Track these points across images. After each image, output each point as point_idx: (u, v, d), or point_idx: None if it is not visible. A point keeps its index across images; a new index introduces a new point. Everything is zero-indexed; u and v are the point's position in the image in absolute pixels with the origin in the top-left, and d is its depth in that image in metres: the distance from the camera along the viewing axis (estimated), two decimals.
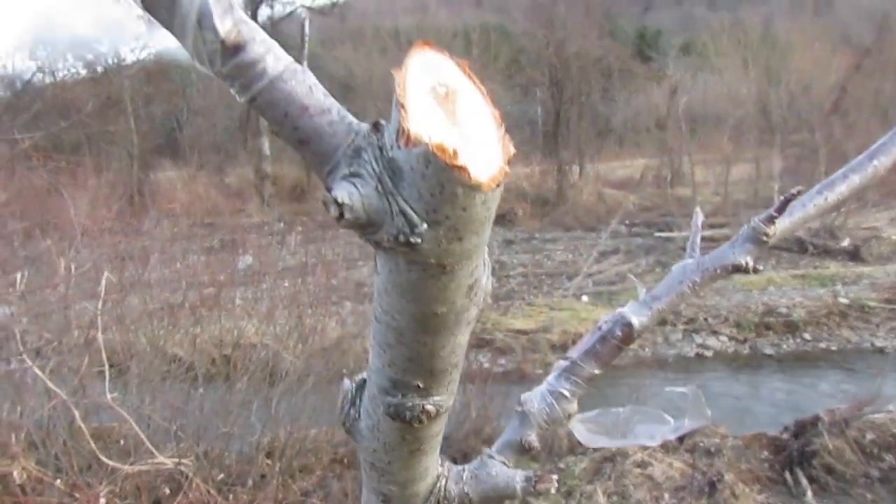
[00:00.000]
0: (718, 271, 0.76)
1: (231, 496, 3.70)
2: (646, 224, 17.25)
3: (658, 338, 9.40)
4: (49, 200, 7.47)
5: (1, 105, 16.45)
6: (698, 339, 9.49)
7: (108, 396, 3.16)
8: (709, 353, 9.18)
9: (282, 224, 16.05)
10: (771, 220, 0.74)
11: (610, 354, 0.73)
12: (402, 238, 0.40)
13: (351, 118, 0.43)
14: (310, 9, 24.16)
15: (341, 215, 0.39)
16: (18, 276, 4.04)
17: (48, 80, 20.67)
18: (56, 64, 21.03)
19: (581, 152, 22.08)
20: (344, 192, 0.38)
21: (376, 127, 0.41)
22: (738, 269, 0.76)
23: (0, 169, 5.36)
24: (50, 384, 3.07)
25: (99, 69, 21.77)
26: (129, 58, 22.20)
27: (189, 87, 26.45)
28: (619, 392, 6.51)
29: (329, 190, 0.38)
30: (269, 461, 4.64)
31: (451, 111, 0.38)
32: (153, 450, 3.15)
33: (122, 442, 3.87)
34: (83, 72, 21.99)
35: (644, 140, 23.01)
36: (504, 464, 0.72)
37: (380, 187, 0.39)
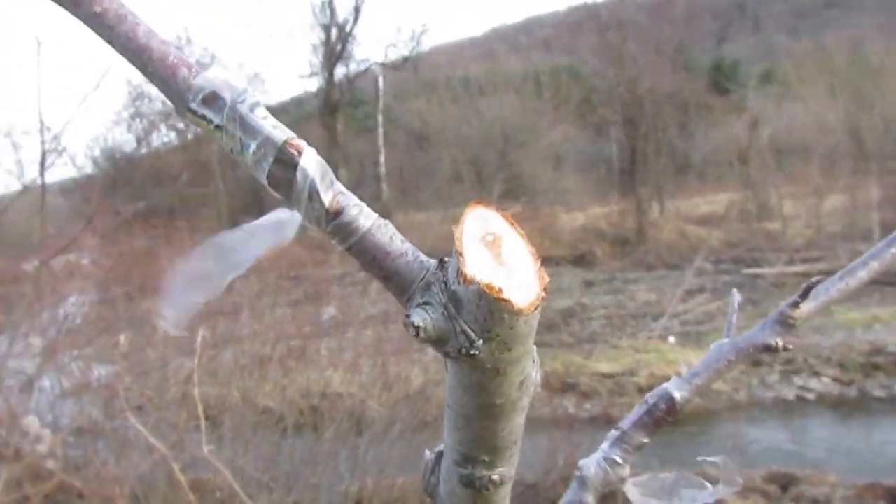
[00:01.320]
0: (751, 350, 0.86)
1: None
2: (733, 261, 16.61)
3: (753, 379, 8.93)
4: (148, 263, 7.94)
5: (106, 178, 17.71)
6: (798, 381, 8.95)
7: (205, 449, 3.28)
8: (811, 396, 8.63)
9: (363, 274, 16.37)
10: (796, 305, 0.84)
11: (656, 425, 0.84)
12: (463, 351, 0.53)
13: (422, 257, 0.56)
14: (383, 64, 25.04)
15: (417, 334, 0.52)
16: (122, 337, 4.29)
17: (143, 150, 22.16)
18: (151, 135, 22.55)
19: (660, 189, 21.64)
20: (419, 317, 0.50)
21: (442, 263, 0.53)
22: (769, 348, 0.86)
23: (104, 238, 5.79)
24: (151, 439, 3.22)
25: (189, 136, 23.19)
26: None
27: None
28: (712, 438, 6.21)
29: (408, 316, 0.51)
30: None
31: (497, 254, 0.50)
32: (247, 501, 3.22)
33: (217, 493, 3.99)
34: (175, 140, 23.48)
35: (726, 174, 22.35)
36: None
37: (445, 313, 0.51)
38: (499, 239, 0.51)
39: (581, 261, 18.08)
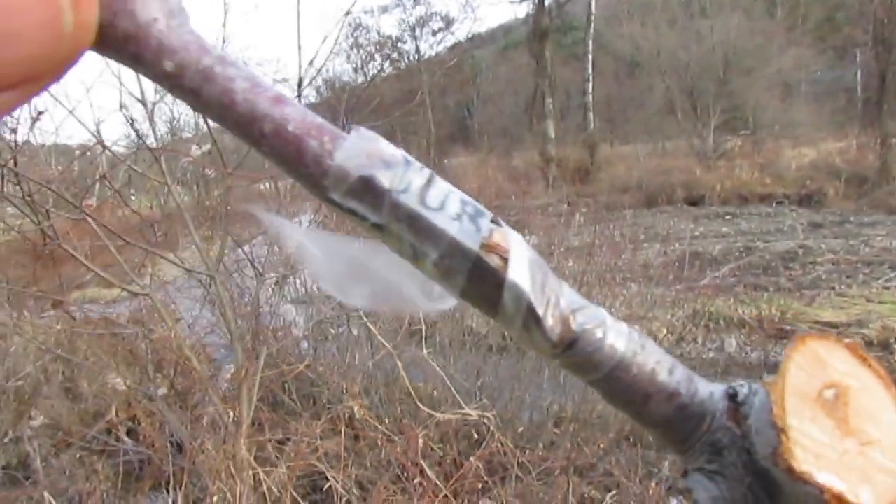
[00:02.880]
0: None
1: (527, 451, 3.95)
2: None
3: None
4: None
5: (327, 105, 19.22)
6: None
7: (424, 352, 3.60)
8: None
9: (566, 205, 16.34)
10: None
11: None
12: None
13: (699, 389, 0.35)
14: None
15: None
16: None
17: (360, 79, 23.61)
18: (367, 64, 23.91)
19: None
20: (703, 491, 0.34)
21: (734, 407, 0.33)
22: None
23: None
24: (379, 337, 3.61)
25: (402, 66, 24.23)
26: (427, 53, 24.33)
27: (479, 75, 28.05)
28: None
29: (685, 474, 0.35)
30: (556, 430, 4.84)
31: (842, 418, 0.32)
32: (461, 402, 3.51)
33: (434, 393, 4.37)
34: (389, 69, 24.69)
35: None
36: None
37: (750, 496, 0.33)
38: (844, 392, 0.33)
39: (807, 200, 16.38)
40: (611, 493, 3.71)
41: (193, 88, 0.32)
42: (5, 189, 2.70)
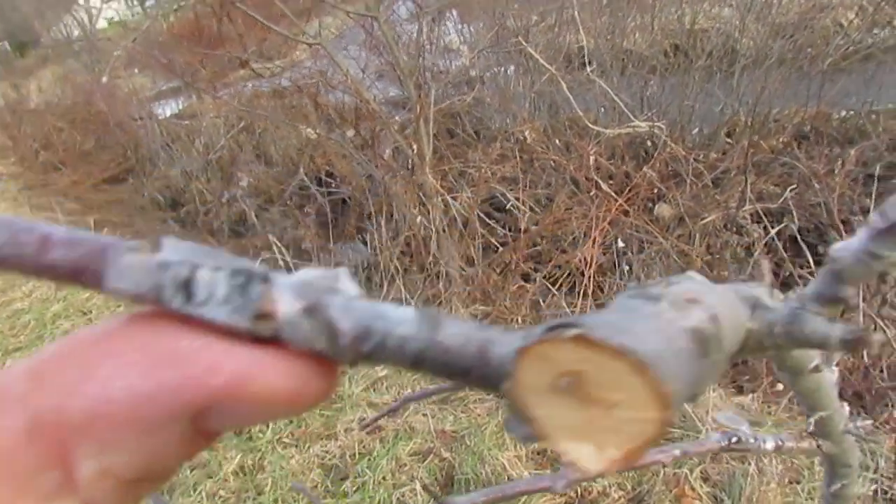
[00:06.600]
0: None
1: (701, 156, 3.95)
2: None
3: None
4: None
5: None
6: None
7: (588, 69, 3.54)
8: None
9: None
10: None
11: None
12: None
13: (497, 357, 0.33)
14: None
15: None
16: None
17: None
18: None
19: None
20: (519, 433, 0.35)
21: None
22: None
23: None
24: (541, 60, 3.58)
25: None
26: None
27: None
28: None
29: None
30: (729, 140, 4.71)
31: (584, 395, 0.32)
32: (630, 115, 3.50)
33: (601, 111, 4.36)
34: None
35: None
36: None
37: None
38: (581, 377, 0.32)
39: None
40: (791, 187, 3.66)
41: None
42: None
